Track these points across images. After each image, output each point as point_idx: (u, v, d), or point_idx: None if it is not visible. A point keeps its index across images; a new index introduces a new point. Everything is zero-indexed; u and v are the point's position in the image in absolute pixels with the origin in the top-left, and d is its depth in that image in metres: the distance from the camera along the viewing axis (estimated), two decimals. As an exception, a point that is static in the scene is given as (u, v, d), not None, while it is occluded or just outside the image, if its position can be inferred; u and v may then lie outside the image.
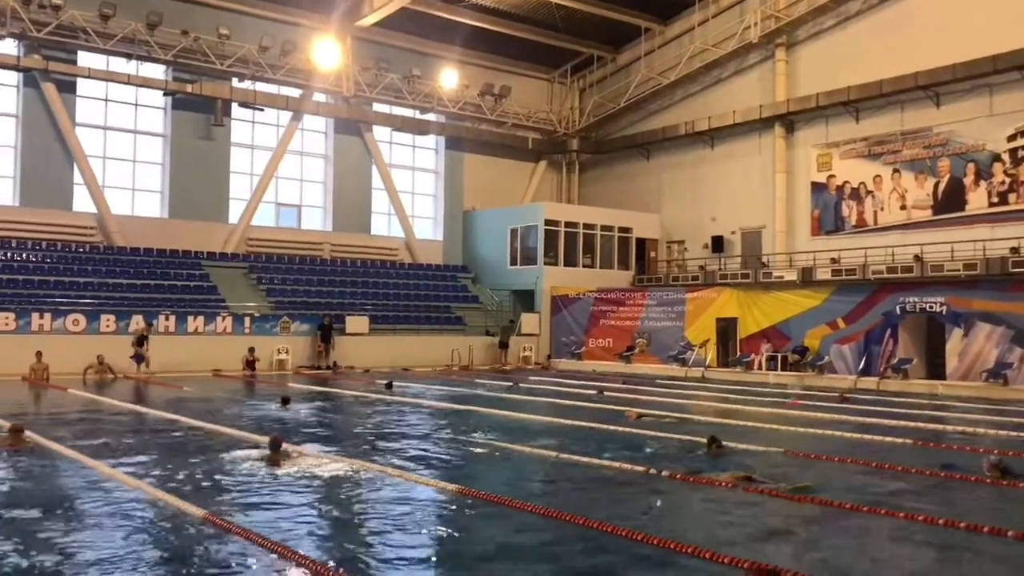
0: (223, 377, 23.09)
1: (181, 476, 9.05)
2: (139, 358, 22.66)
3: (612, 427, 13.34)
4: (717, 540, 6.64)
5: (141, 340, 22.83)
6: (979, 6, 25.05)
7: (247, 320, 25.86)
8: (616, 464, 9.78)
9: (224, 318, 25.48)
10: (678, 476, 9.14)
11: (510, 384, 20.16)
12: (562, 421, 14.12)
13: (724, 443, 11.06)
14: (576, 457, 10.29)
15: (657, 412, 15.47)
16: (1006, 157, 24.76)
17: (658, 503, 8.22)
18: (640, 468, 9.50)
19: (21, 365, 20.86)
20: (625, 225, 33.31)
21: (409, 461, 10.27)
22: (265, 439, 10.71)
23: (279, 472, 9.38)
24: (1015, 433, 13.39)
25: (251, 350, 24.71)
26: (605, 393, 18.11)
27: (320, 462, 9.96)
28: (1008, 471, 9.27)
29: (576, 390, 19.92)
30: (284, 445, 10.43)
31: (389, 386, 19.94)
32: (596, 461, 10.03)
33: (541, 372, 27.51)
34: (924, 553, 6.66)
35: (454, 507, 7.93)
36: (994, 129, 24.99)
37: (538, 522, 7.24)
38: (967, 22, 25.13)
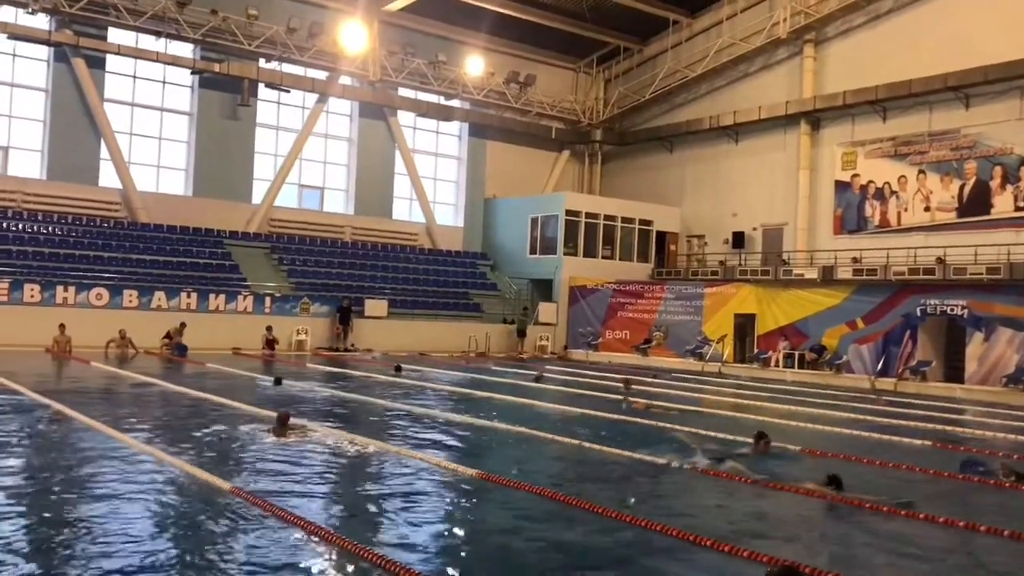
0: (243, 356, 23.24)
1: (193, 448, 9.20)
2: (181, 348, 22.53)
3: (648, 423, 13.27)
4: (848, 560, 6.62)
5: (169, 338, 22.88)
6: (1012, 7, 24.71)
7: (267, 300, 25.98)
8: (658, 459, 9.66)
9: (245, 297, 25.62)
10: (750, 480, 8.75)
11: (537, 375, 20.03)
12: (593, 413, 14.07)
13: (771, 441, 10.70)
14: (607, 448, 10.20)
15: (665, 404, 15.46)
16: (1034, 161, 24.49)
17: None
18: (664, 461, 9.49)
19: (45, 337, 21.08)
20: (646, 218, 33.19)
21: (424, 443, 10.32)
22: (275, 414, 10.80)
23: (290, 447, 9.51)
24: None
25: (269, 329, 24.84)
26: (632, 387, 17.98)
27: (334, 440, 10.04)
28: (1020, 475, 9.26)
29: (602, 382, 19.64)
30: (292, 420, 10.50)
31: (398, 369, 20.01)
32: (628, 454, 9.99)
33: (558, 362, 27.50)
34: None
35: (471, 489, 7.96)
36: (1023, 132, 24.69)
37: (555, 508, 7.25)
38: (1000, 23, 24.80)
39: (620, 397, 16.14)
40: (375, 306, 27.54)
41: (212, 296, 25.00)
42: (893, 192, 27.77)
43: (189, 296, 24.60)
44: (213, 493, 7.20)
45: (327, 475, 8.46)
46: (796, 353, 25.17)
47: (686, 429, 12.16)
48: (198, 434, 10.15)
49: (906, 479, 9.39)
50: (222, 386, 15.44)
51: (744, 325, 27.14)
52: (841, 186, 29.12)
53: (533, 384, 18.66)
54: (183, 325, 23.16)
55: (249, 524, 6.31)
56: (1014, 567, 6.42)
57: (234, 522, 6.36)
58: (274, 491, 7.36)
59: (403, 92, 32.99)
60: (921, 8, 27.13)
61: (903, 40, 27.29)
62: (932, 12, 26.78)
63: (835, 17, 29.02)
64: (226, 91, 29.03)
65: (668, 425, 12.60)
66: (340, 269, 29.45)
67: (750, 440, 10.75)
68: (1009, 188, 25.00)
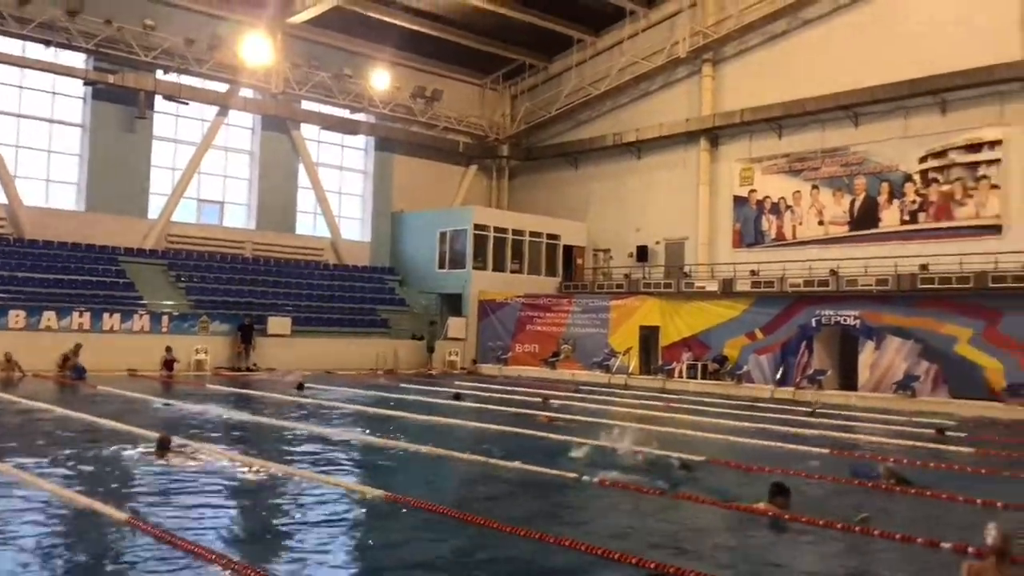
0: (139, 377, 22.38)
1: (76, 476, 8.84)
2: (79, 370, 21.50)
3: (564, 438, 13.32)
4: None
5: (65, 360, 21.90)
6: (899, 32, 25.96)
7: (165, 319, 25.12)
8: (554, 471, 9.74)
9: (141, 316, 24.70)
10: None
11: (455, 392, 19.76)
12: (505, 428, 14.04)
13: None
14: (518, 465, 10.17)
15: (568, 416, 15.65)
16: (917, 178, 25.75)
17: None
18: (571, 475, 9.53)
19: (-78, 360, 19.85)
20: (553, 232, 33.51)
21: (328, 465, 10.12)
22: (179, 439, 10.45)
23: (181, 472, 9.22)
24: (915, 443, 13.90)
25: (168, 349, 24.03)
26: (550, 401, 18.02)
27: (230, 463, 9.75)
28: (902, 479, 9.75)
29: (520, 397, 19.61)
30: (185, 443, 10.20)
31: (300, 387, 19.61)
32: (539, 469, 9.99)
33: (468, 377, 27.40)
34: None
35: (376, 512, 7.81)
36: (907, 150, 25.95)
37: (458, 527, 7.18)
38: (887, 46, 26.02)
39: (536, 412, 16.13)
40: (278, 324, 26.95)
41: (106, 315, 24.00)
42: (788, 207, 28.79)
43: (82, 316, 23.55)
44: (100, 522, 6.87)
45: (221, 500, 8.18)
46: (699, 364, 25.73)
47: (604, 444, 12.26)
48: (83, 460, 9.71)
49: (804, 486, 9.66)
50: (112, 409, 14.81)
51: (649, 337, 27.63)
52: (739, 201, 30.02)
53: (442, 401, 18.53)
54: (79, 346, 22.19)
55: (138, 553, 6.03)
56: (906, 569, 6.67)
57: (123, 552, 6.07)
58: (163, 518, 7.08)
59: (307, 105, 32.50)
60: (813, 30, 28.27)
61: (797, 60, 28.37)
62: (823, 34, 27.95)
63: (732, 38, 29.97)
64: (121, 103, 27.99)
65: (586, 440, 12.66)
66: (241, 286, 28.73)
67: (660, 452, 10.94)
68: (895, 203, 26.23)
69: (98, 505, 7.34)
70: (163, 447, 9.91)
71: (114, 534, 6.61)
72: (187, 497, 8.08)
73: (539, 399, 18.37)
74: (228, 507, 7.88)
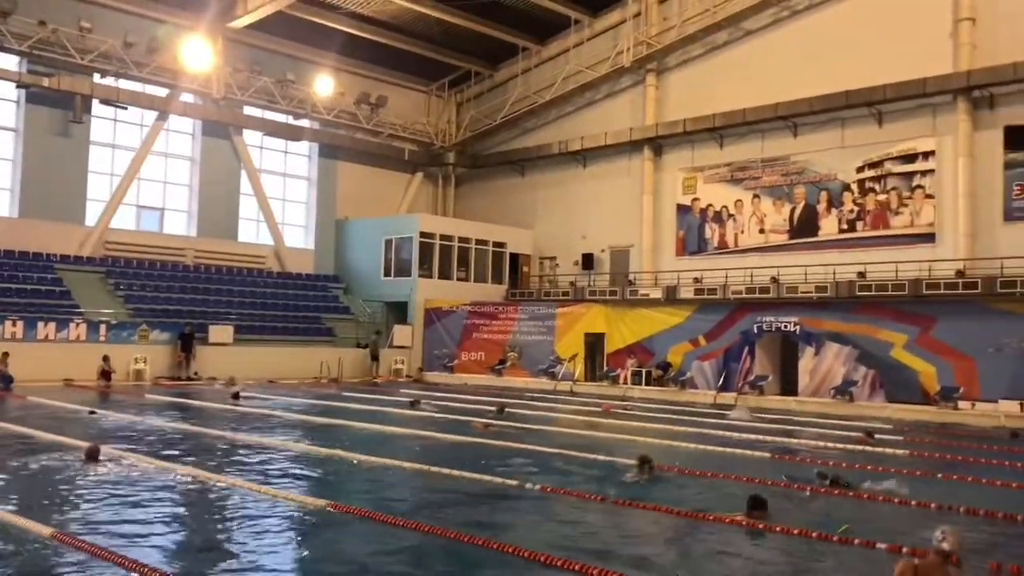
0: (75, 387, 21.81)
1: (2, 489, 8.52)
2: (6, 379, 20.87)
3: (517, 445, 13.30)
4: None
5: None
6: (835, 45, 26.57)
7: (103, 327, 24.54)
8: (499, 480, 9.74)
9: (78, 325, 24.09)
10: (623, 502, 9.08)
11: (413, 400, 19.55)
12: (450, 437, 13.99)
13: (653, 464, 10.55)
14: (464, 473, 10.14)
15: (502, 422, 15.76)
16: (855, 187, 26.36)
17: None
18: (513, 482, 9.53)
19: None
20: (499, 240, 33.55)
21: (270, 475, 9.97)
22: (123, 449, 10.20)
23: (116, 484, 9.00)
24: (851, 446, 14.21)
25: (106, 359, 23.48)
26: (506, 411, 17.95)
27: (166, 474, 9.56)
28: (836, 481, 9.94)
29: (475, 406, 19.48)
30: (120, 453, 9.98)
31: (236, 397, 19.32)
32: (485, 478, 9.96)
33: (414, 385, 27.24)
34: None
35: (320, 522, 7.71)
36: (845, 160, 26.57)
37: (409, 537, 7.13)
38: (823, 59, 26.60)
39: (487, 421, 16.06)
40: (220, 332, 26.51)
41: (41, 324, 23.35)
42: (730, 215, 29.24)
43: (15, 324, 22.87)
44: (23, 537, 6.65)
45: (154, 512, 7.96)
46: (643, 370, 25.97)
47: (559, 451, 12.27)
48: (3, 471, 9.41)
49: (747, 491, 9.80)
50: (39, 419, 14.44)
51: (594, 344, 27.81)
52: (682, 209, 30.40)
53: (387, 409, 18.41)
54: (5, 355, 21.53)
55: (63, 570, 5.86)
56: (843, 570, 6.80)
57: (48, 569, 5.89)
58: (92, 531, 6.90)
59: (249, 111, 32.08)
60: (753, 41, 28.80)
61: (738, 71, 28.85)
62: (762, 46, 28.48)
63: (675, 48, 30.38)
64: (57, 107, 27.28)
65: (536, 447, 12.67)
66: (182, 294, 28.20)
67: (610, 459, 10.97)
68: (834, 212, 26.81)
69: (20, 520, 7.10)
70: (92, 457, 9.66)
71: (38, 549, 6.40)
72: (118, 509, 7.87)
73: (494, 407, 18.27)
74: (163, 519, 7.68)
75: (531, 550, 6.54)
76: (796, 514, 8.45)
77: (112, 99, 28.12)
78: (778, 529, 7.61)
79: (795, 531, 7.56)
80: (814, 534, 7.44)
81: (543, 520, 8.16)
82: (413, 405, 18.96)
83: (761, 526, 7.84)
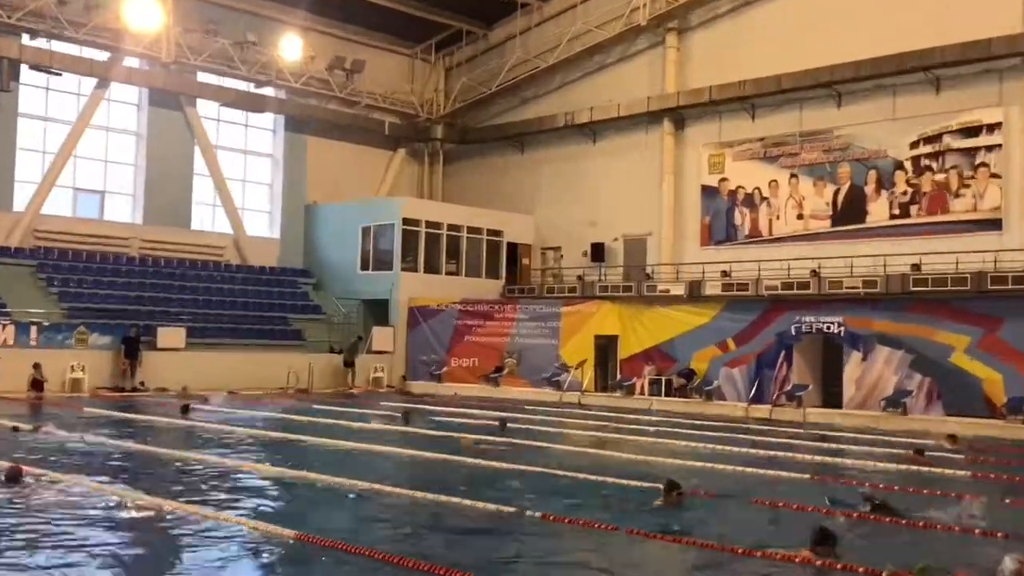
0: (1, 399, 21.77)
1: None
2: None
3: (510, 466, 13.27)
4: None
5: None
6: (887, 1, 26.49)
7: (33, 330, 24.55)
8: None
9: (4, 327, 24.10)
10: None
11: (404, 412, 19.67)
12: (438, 456, 13.94)
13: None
14: (453, 499, 10.09)
15: (493, 439, 15.78)
16: (908, 165, 26.26)
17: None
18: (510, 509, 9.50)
19: None
20: (495, 227, 33.52)
21: (228, 501, 9.95)
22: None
23: (25, 506, 8.99)
24: (906, 467, 14.17)
25: (37, 367, 23.46)
26: (508, 426, 17.90)
27: (93, 495, 9.53)
28: (883, 507, 9.89)
29: (470, 420, 19.47)
30: (30, 475, 9.98)
31: (185, 410, 19.32)
32: (476, 504, 9.91)
33: (396, 396, 27.21)
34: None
35: (279, 555, 7.69)
36: (897, 134, 26.49)
37: (384, 571, 7.09)
38: (872, 16, 26.54)
39: (477, 438, 16.04)
40: (170, 335, 26.50)
41: (-40, 326, 23.39)
42: (764, 198, 29.17)
43: (-71, 327, 22.90)
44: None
45: (85, 539, 7.93)
46: (663, 379, 25.93)
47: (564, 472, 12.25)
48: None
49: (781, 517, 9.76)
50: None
51: (605, 348, 27.78)
52: (708, 191, 30.35)
53: (368, 426, 18.42)
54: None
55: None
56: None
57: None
58: (13, 568, 6.87)
59: (204, 77, 32.04)
60: (789, -3, 28.73)
61: (772, 31, 28.72)
62: (801, 1, 28.37)
63: (699, 3, 30.28)
64: (-22, 73, 27.32)
65: (536, 468, 12.64)
66: (126, 291, 28.20)
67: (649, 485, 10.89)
68: (884, 194, 26.73)
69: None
70: (13, 480, 9.64)
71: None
72: (40, 540, 7.83)
73: (495, 422, 18.28)
74: (97, 552, 7.61)
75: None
76: (859, 545, 8.33)
77: (44, 64, 28.11)
78: (861, 570, 7.37)
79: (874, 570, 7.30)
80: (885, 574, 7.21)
81: (546, 555, 8.12)
82: (406, 420, 19.00)
83: (840, 566, 7.46)
